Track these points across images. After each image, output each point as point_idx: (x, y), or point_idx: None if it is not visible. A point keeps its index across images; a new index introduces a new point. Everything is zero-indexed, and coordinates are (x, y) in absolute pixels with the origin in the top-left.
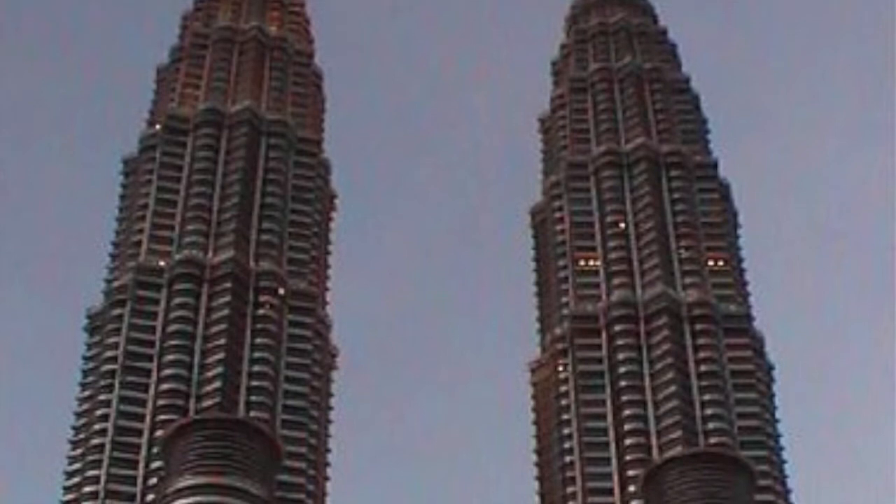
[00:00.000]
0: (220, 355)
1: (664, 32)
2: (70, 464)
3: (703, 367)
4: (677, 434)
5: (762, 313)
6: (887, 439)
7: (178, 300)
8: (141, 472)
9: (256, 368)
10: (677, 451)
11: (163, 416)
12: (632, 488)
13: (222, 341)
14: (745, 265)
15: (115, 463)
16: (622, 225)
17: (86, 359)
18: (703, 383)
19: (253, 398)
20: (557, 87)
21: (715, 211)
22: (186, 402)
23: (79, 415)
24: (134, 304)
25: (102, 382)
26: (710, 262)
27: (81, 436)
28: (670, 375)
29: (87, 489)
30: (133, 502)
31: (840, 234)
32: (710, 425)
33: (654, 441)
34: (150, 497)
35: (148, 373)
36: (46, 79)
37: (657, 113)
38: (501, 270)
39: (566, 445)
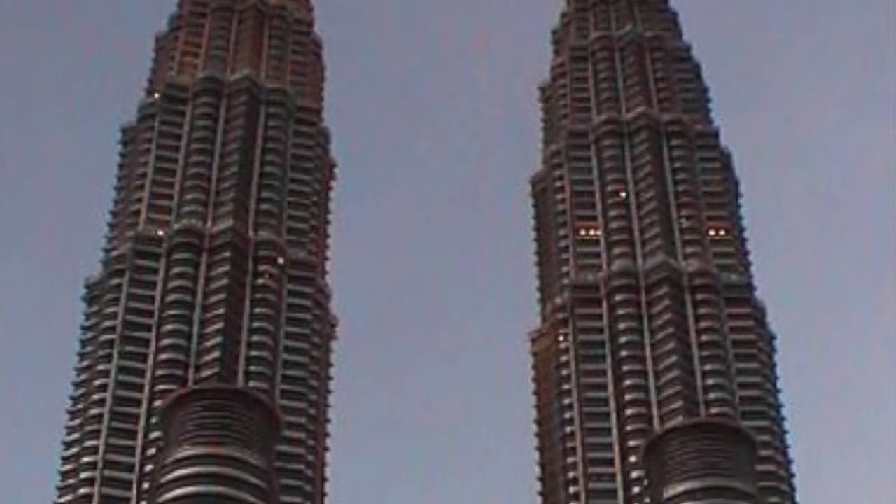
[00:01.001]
0: (219, 325)
1: (665, 1)
2: (68, 434)
3: (704, 337)
4: (678, 404)
5: (764, 283)
6: (889, 409)
7: (176, 270)
8: (139, 442)
9: (256, 338)
10: (678, 421)
11: (161, 387)
12: (632, 458)
13: (221, 311)
14: (746, 234)
15: (114, 433)
16: (623, 194)
17: (84, 329)
18: (705, 353)
19: (252, 368)
20: (558, 56)
21: (716, 180)
22: (185, 372)
23: (77, 385)
24: (133, 274)
25: (101, 352)
26: (712, 232)
27: (80, 406)
28: (671, 345)
29: (86, 459)
30: (132, 473)
31: (842, 203)
32: (711, 395)
33: (654, 411)
34: (149, 467)
35: (147, 343)
36: (45, 48)
37: (658, 82)
38: (501, 240)
39: (566, 416)
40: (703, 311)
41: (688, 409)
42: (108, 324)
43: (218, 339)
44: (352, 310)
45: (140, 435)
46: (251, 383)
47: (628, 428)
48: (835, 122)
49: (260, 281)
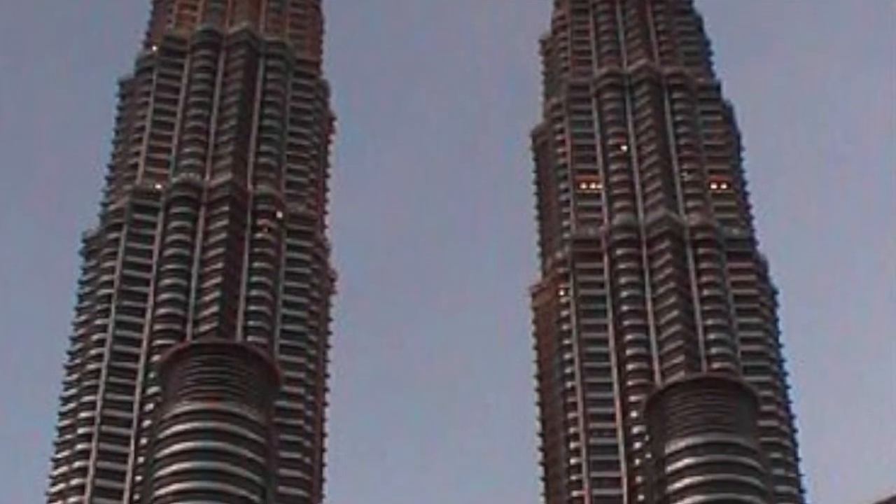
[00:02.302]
0: (218, 279)
1: None
2: (66, 389)
3: (705, 292)
4: (680, 359)
5: (766, 237)
6: (891, 364)
7: (174, 224)
8: (137, 397)
9: (254, 293)
10: (680, 376)
11: (159, 341)
12: (634, 414)
13: (220, 265)
14: (748, 188)
15: (112, 388)
16: (624, 148)
17: (82, 283)
18: (706, 308)
19: (251, 323)
20: (559, 8)
21: (718, 133)
22: (183, 327)
23: (74, 340)
24: (130, 228)
25: (98, 307)
26: (713, 186)
27: (77, 361)
28: (673, 300)
29: (83, 414)
30: (129, 428)
31: (844, 157)
32: (713, 350)
33: (656, 366)
34: (147, 423)
35: (144, 297)
36: (42, 1)
37: (660, 34)
38: (502, 193)
39: (567, 371)
40: (704, 265)
41: (689, 364)
42: (105, 278)
43: (216, 294)
44: (351, 264)
45: (138, 390)
46: (250, 338)
47: (629, 383)
48: (837, 74)
49: (259, 235)
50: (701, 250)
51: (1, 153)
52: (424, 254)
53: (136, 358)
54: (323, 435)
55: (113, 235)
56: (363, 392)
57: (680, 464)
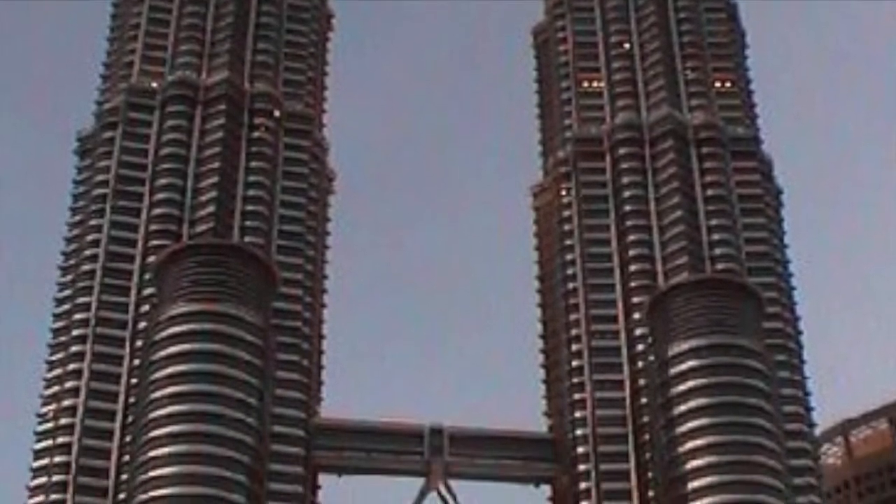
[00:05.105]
0: (214, 179)
1: None
2: (60, 290)
3: (709, 192)
4: (683, 260)
5: (770, 136)
6: None
7: (170, 122)
8: (133, 299)
9: (251, 192)
10: (683, 277)
11: (155, 242)
12: (636, 315)
13: (216, 165)
14: (752, 87)
15: (107, 290)
16: (627, 45)
17: (76, 183)
18: (710, 208)
19: (248, 223)
20: None
21: (722, 31)
22: (179, 228)
23: (69, 240)
24: (126, 127)
25: (93, 207)
26: (717, 84)
27: (72, 262)
28: (676, 200)
29: (78, 316)
30: (125, 330)
31: (850, 55)
32: (717, 251)
33: (659, 267)
34: (143, 325)
35: (140, 197)
36: None
37: None
38: (502, 92)
39: (569, 272)
40: (708, 164)
41: (693, 264)
42: (100, 178)
43: (213, 194)
44: (350, 163)
45: (133, 291)
46: (247, 238)
47: (632, 284)
48: None
49: (256, 134)
50: (705, 149)
51: None
52: (424, 153)
53: (131, 259)
54: (321, 337)
55: (108, 134)
56: (362, 293)
57: (683, 366)
